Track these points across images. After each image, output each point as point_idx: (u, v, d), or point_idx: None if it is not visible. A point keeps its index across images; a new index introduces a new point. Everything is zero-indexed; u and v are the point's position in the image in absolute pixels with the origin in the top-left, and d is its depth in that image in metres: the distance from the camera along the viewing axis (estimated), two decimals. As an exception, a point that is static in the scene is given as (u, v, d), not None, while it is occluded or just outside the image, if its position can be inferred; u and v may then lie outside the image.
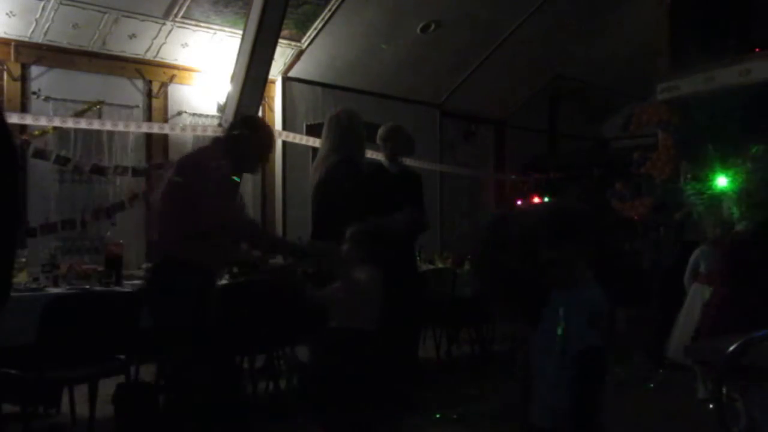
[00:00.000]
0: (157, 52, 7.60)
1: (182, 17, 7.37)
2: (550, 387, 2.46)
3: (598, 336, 2.46)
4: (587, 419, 2.42)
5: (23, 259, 4.54)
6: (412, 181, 5.08)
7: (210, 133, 7.62)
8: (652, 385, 5.75)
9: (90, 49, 7.18)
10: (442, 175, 10.44)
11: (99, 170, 7.22)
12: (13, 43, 6.74)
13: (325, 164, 4.45)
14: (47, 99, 6.98)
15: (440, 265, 7.13)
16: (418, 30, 8.95)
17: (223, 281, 4.83)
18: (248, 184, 8.23)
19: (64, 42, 7.00)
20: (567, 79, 10.97)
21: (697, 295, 5.51)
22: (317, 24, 8.24)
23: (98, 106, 7.25)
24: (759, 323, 2.94)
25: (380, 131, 5.08)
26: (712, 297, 4.83)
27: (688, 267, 5.68)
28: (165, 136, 7.79)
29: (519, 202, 10.75)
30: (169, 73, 7.80)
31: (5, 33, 6.66)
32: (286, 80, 8.73)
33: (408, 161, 9.40)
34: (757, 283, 4.33)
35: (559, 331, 2.46)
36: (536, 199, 10.30)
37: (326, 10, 8.10)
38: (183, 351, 3.44)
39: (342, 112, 4.70)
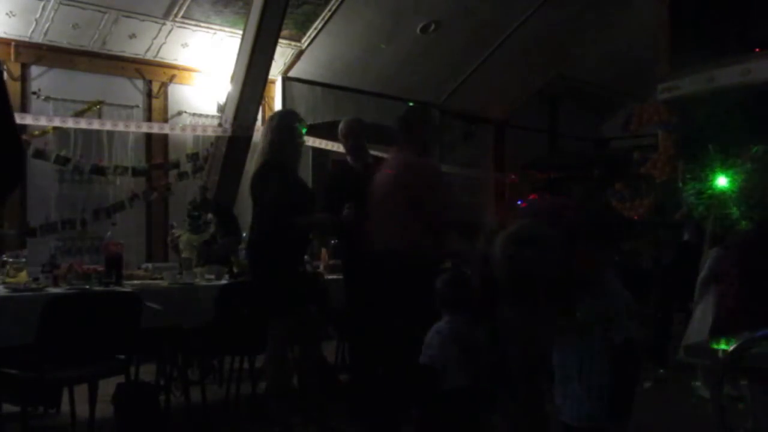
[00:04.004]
0: (157, 52, 7.60)
1: (182, 17, 7.37)
2: (586, 383, 2.48)
3: (635, 328, 2.51)
4: (626, 410, 2.46)
5: (23, 259, 4.54)
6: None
7: (210, 133, 7.65)
8: (649, 384, 5.74)
9: (90, 49, 7.18)
10: (442, 175, 10.42)
11: (99, 170, 7.23)
12: (13, 43, 6.74)
13: (254, 166, 4.30)
14: (47, 99, 6.98)
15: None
16: (418, 30, 8.95)
17: (223, 281, 4.84)
18: (248, 183, 8.21)
19: (64, 42, 6.99)
20: (567, 79, 10.97)
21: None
22: (317, 24, 8.25)
23: (98, 106, 7.25)
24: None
25: (339, 127, 4.83)
26: (724, 298, 4.78)
27: (708, 269, 5.52)
28: (165, 136, 7.79)
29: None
30: (169, 73, 7.80)
31: (5, 33, 6.66)
32: (286, 80, 8.73)
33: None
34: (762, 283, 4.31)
35: (599, 326, 2.50)
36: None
37: (326, 10, 8.11)
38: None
39: (277, 112, 4.59)
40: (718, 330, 4.62)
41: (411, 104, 4.38)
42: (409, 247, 3.76)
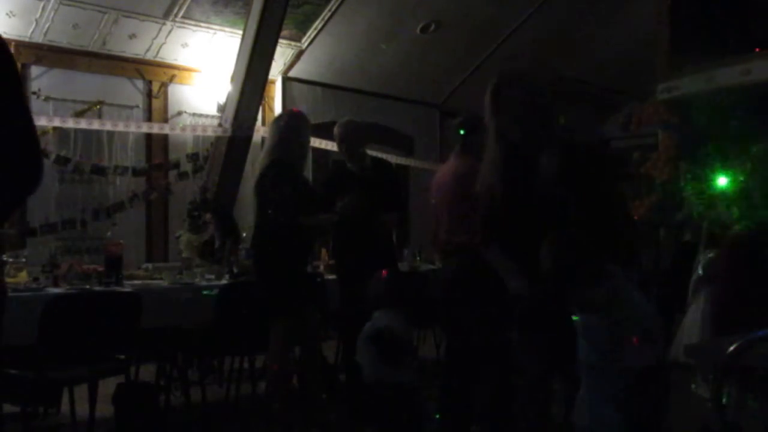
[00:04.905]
0: (157, 52, 7.60)
1: (182, 17, 7.37)
2: (598, 404, 2.34)
3: (652, 355, 2.27)
4: None
5: (23, 259, 4.54)
6: (380, 176, 4.73)
7: (210, 133, 7.64)
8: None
9: (90, 49, 7.18)
10: (442, 175, 10.42)
11: (99, 170, 7.23)
12: (13, 43, 6.73)
13: (260, 166, 4.26)
14: (47, 99, 6.97)
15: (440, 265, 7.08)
16: (418, 30, 8.94)
17: (223, 281, 4.84)
18: (248, 183, 8.22)
19: (64, 42, 6.99)
20: (567, 79, 10.96)
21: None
22: (317, 24, 8.25)
23: (98, 106, 7.25)
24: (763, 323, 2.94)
25: (334, 131, 4.79)
26: (716, 297, 4.78)
27: (701, 271, 5.52)
28: (165, 136, 7.79)
29: None
30: (169, 73, 7.80)
31: (5, 33, 6.57)
32: (286, 80, 8.73)
33: (408, 161, 9.47)
34: (759, 283, 4.31)
35: (607, 348, 2.27)
36: None
37: (326, 10, 8.11)
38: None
39: (284, 112, 4.55)
40: (715, 331, 4.62)
41: (462, 114, 4.41)
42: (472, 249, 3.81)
